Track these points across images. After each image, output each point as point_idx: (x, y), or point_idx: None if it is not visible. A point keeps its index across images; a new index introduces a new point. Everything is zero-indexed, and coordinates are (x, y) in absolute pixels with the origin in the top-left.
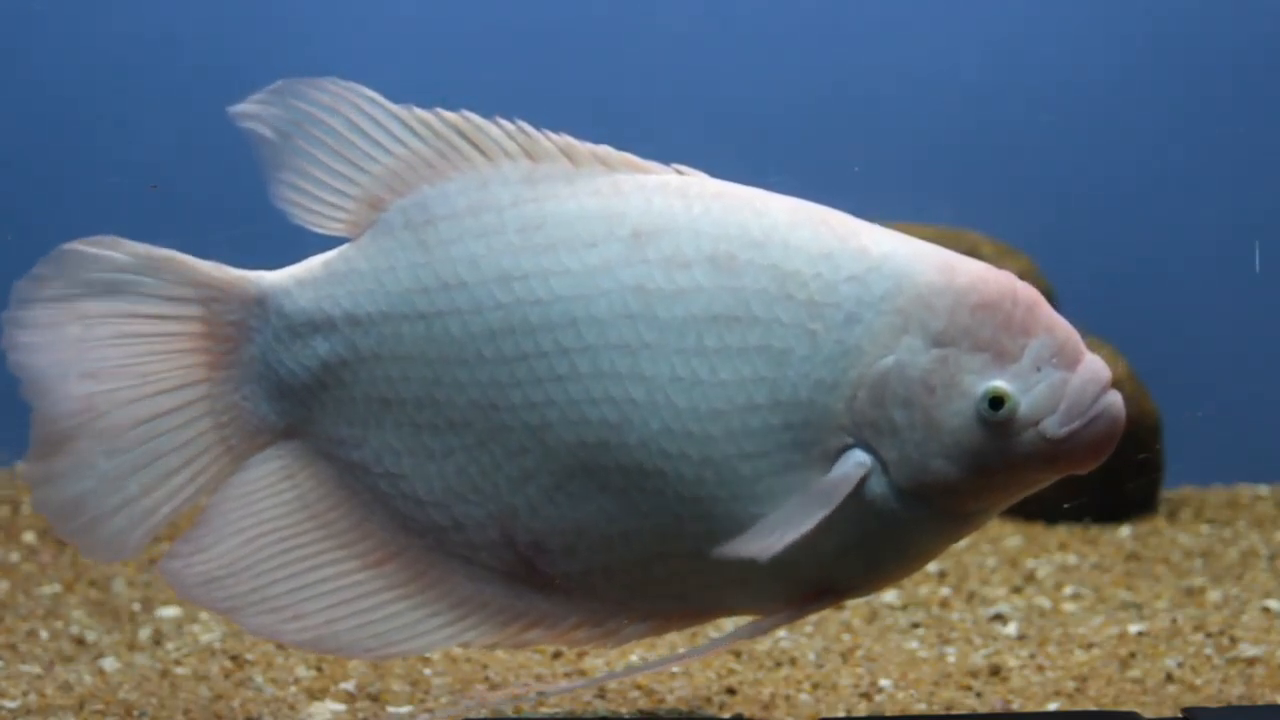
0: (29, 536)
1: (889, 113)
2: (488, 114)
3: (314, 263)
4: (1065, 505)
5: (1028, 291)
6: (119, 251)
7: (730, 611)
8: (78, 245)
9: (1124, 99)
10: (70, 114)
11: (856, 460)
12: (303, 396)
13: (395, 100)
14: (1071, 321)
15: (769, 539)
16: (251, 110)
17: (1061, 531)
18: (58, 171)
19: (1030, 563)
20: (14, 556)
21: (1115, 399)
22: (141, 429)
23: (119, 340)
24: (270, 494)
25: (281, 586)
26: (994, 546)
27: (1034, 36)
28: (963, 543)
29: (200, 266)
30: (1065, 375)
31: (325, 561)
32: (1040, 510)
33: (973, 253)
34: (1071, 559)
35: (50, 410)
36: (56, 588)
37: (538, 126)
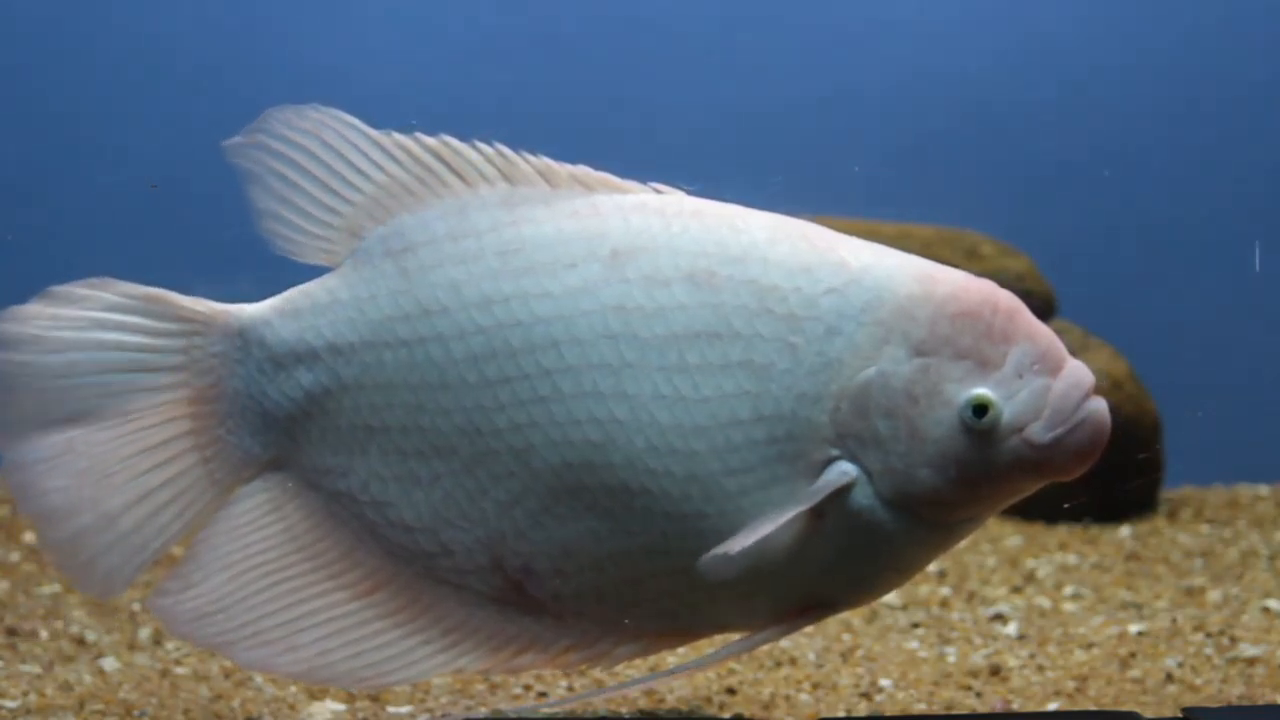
0: (29, 536)
1: (889, 112)
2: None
3: (294, 293)
4: (1065, 505)
5: (1008, 299)
6: (107, 291)
7: (721, 629)
8: (69, 286)
9: (1124, 99)
10: (70, 114)
11: (841, 471)
12: (287, 427)
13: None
14: (1071, 321)
15: (744, 538)
16: (240, 145)
17: (1061, 531)
18: (58, 172)
19: (1030, 563)
20: (14, 556)
21: (1099, 405)
22: (128, 465)
23: (103, 378)
24: (258, 527)
25: (273, 620)
26: (994, 546)
27: (1034, 36)
28: (963, 543)
29: (182, 302)
30: (1048, 382)
31: (315, 593)
32: (1040, 510)
33: (973, 253)
34: (1071, 559)
35: (31, 455)
36: (56, 588)
37: (515, 148)
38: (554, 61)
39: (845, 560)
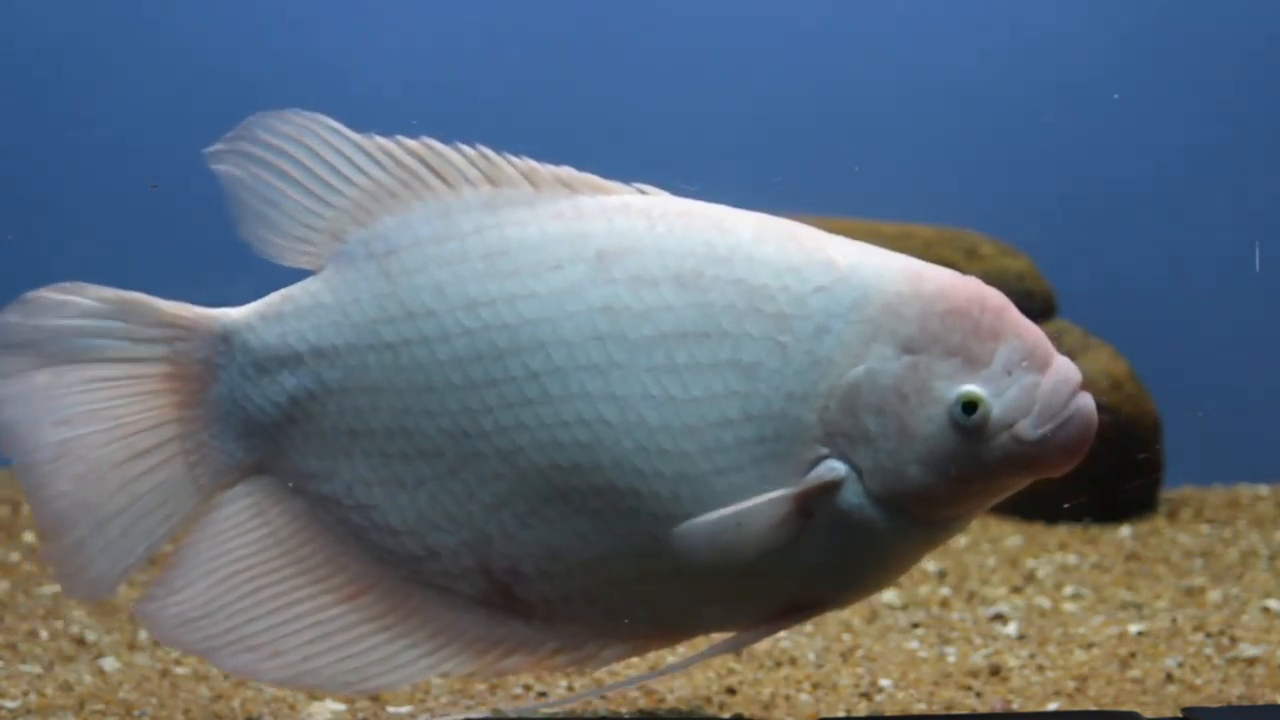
0: (29, 536)
1: (889, 113)
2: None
3: (277, 297)
4: (1065, 505)
5: (995, 297)
6: (83, 296)
7: (711, 629)
8: (42, 292)
9: (1124, 99)
10: (71, 114)
11: (830, 468)
12: (271, 432)
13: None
14: (1071, 321)
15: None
16: (221, 151)
17: (1061, 531)
18: (58, 172)
19: (1030, 563)
20: (14, 556)
21: (1087, 400)
22: (118, 472)
23: (89, 385)
24: (242, 532)
25: (258, 625)
26: (994, 546)
27: (1034, 36)
28: (963, 543)
29: (164, 307)
30: (1036, 378)
31: (301, 597)
32: (1040, 510)
33: (973, 253)
34: (1071, 559)
35: (28, 459)
36: (56, 587)
37: (499, 149)
38: (552, 61)
39: (835, 559)
